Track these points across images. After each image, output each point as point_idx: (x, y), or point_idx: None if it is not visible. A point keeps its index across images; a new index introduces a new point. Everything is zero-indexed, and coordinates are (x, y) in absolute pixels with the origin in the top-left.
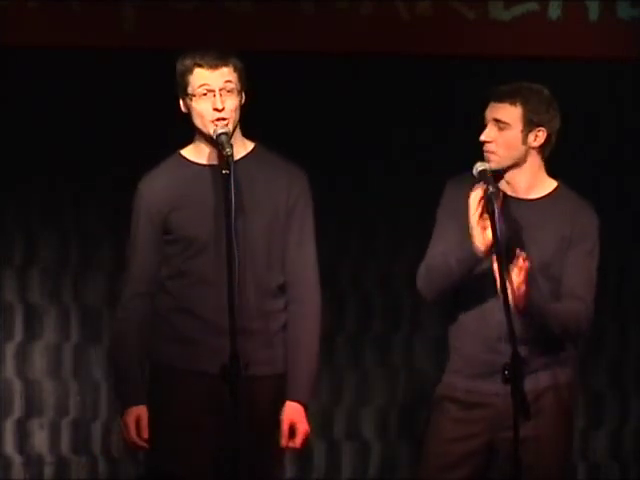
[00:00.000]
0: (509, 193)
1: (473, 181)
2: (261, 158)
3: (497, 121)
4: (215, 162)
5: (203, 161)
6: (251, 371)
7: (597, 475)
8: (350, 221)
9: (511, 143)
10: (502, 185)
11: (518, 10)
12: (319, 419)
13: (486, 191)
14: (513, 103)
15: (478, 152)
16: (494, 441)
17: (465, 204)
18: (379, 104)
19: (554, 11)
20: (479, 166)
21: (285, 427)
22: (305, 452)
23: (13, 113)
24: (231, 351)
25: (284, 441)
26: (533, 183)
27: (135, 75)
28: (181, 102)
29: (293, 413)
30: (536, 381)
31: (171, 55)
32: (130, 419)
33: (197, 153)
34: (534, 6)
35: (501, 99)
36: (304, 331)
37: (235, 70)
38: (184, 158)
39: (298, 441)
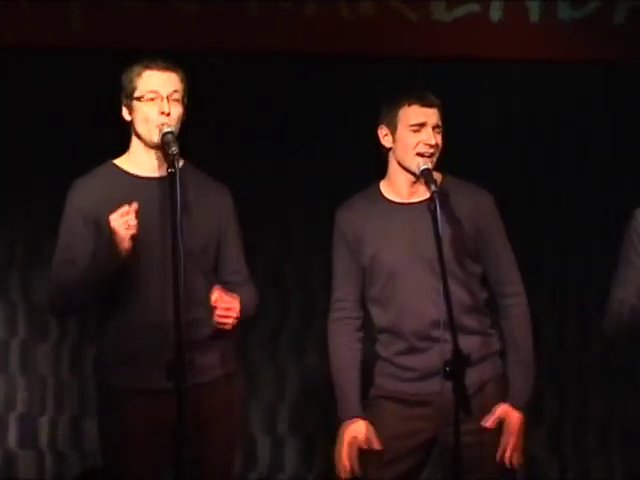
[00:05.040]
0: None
1: (367, 199)
2: (190, 174)
3: (437, 126)
4: (152, 174)
5: (139, 172)
6: (195, 380)
7: (535, 469)
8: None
9: (441, 145)
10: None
11: (460, 11)
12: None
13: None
14: (439, 107)
15: None
16: (438, 436)
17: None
18: (320, 104)
19: (496, 12)
20: (422, 164)
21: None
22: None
23: None
24: (176, 358)
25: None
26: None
27: (83, 74)
28: (125, 109)
29: None
30: (480, 373)
31: (119, 54)
32: None
33: (133, 164)
34: (476, 7)
35: (431, 104)
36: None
37: (182, 81)
38: (118, 168)
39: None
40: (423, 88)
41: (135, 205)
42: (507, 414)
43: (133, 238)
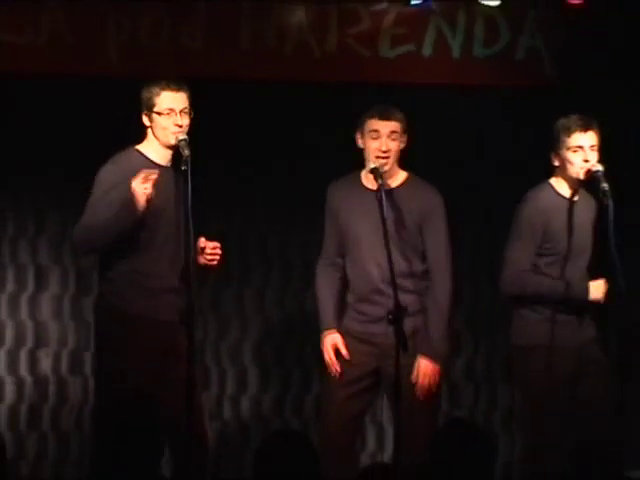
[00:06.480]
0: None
1: (349, 182)
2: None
3: (393, 132)
4: (164, 163)
5: (155, 160)
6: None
7: (455, 394)
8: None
9: (398, 150)
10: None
11: (401, 49)
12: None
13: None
14: (398, 120)
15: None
16: (381, 367)
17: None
18: (299, 120)
19: (427, 50)
20: (371, 164)
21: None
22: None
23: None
24: (187, 300)
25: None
26: (392, 174)
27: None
28: (145, 117)
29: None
30: (414, 322)
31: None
32: None
33: (151, 153)
34: (412, 47)
35: (388, 117)
36: None
37: (189, 97)
38: (142, 154)
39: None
40: (387, 105)
41: (154, 175)
42: (425, 367)
43: (148, 200)
